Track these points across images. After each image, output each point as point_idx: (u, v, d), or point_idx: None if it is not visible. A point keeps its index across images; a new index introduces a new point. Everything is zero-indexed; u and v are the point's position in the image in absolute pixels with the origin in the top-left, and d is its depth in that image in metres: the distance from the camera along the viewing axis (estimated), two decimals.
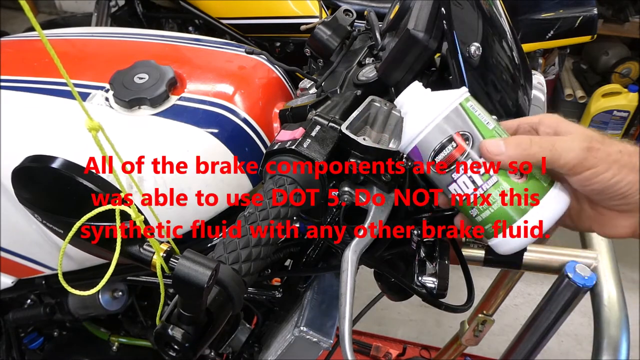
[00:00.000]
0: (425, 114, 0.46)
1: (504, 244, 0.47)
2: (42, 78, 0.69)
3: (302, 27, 1.59)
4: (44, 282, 0.80)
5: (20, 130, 0.65)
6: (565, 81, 2.91)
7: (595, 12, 1.71)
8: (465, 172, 0.45)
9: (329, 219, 0.73)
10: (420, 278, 0.70)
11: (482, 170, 0.45)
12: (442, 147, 0.45)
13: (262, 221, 0.48)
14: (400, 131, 0.57)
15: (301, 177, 0.52)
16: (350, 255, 0.52)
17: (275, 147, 0.53)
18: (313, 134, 0.54)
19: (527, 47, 1.71)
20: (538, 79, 0.63)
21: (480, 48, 0.51)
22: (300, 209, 0.52)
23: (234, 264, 0.45)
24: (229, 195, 0.66)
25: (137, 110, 0.64)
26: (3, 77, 0.71)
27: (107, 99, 0.65)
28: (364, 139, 0.53)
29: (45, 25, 1.98)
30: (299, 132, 0.54)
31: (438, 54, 0.59)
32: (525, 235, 0.45)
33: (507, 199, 0.45)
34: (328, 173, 0.53)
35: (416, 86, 0.50)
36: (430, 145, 0.46)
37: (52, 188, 0.59)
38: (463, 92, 0.47)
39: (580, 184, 0.42)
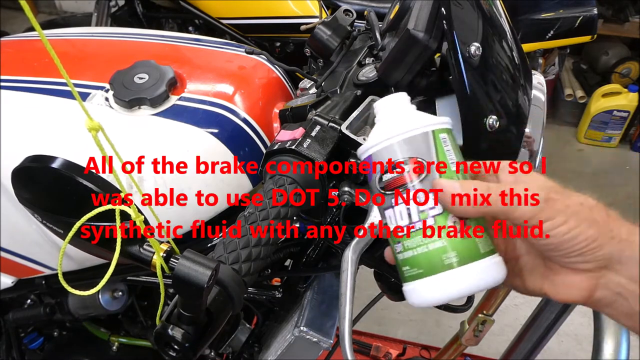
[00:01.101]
0: (393, 127, 0.42)
1: (413, 294, 0.42)
2: (42, 78, 0.69)
3: (302, 27, 1.59)
4: (44, 282, 0.80)
5: (20, 130, 0.65)
6: (565, 81, 2.91)
7: (595, 12, 1.72)
8: (406, 203, 0.41)
9: (329, 219, 0.73)
10: None
11: (423, 206, 0.40)
12: (394, 167, 0.41)
13: (262, 221, 0.48)
14: None
15: (301, 177, 0.52)
16: (350, 255, 0.52)
17: (275, 147, 0.53)
18: (313, 134, 0.54)
19: (527, 47, 1.71)
20: (538, 79, 0.63)
21: (480, 48, 0.51)
22: (300, 209, 0.52)
23: (234, 264, 0.45)
24: (229, 195, 0.66)
25: (137, 110, 0.64)
26: (3, 77, 0.71)
27: (107, 99, 0.65)
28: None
29: (45, 25, 1.98)
30: (299, 132, 0.54)
31: (438, 54, 0.59)
32: (438, 295, 0.41)
33: (434, 250, 0.40)
34: (328, 173, 0.53)
35: (400, 97, 0.46)
36: (383, 158, 0.42)
37: (52, 188, 0.59)
38: (444, 122, 0.43)
39: (536, 247, 0.40)
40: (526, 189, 0.38)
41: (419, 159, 0.41)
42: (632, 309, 0.39)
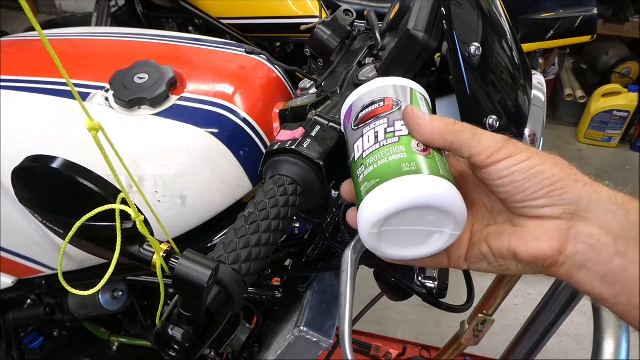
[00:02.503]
0: (376, 81, 0.47)
1: (367, 208, 0.39)
2: (42, 78, 0.69)
3: (302, 27, 1.59)
4: (44, 282, 0.80)
5: (20, 130, 0.65)
6: (565, 81, 2.91)
7: (595, 12, 1.72)
8: (376, 128, 0.43)
9: (329, 219, 0.73)
10: (420, 278, 0.70)
11: (391, 127, 0.42)
12: (371, 104, 0.45)
13: (262, 221, 0.48)
14: None
15: (301, 177, 0.52)
16: (350, 255, 0.52)
17: (275, 147, 0.53)
18: (313, 134, 0.54)
19: (527, 47, 1.71)
20: (538, 79, 0.63)
21: (480, 48, 0.51)
22: (300, 209, 0.52)
23: (234, 264, 0.45)
24: (229, 195, 0.66)
25: (137, 110, 0.64)
26: (3, 77, 0.71)
27: (107, 99, 0.65)
28: None
29: (45, 25, 1.98)
30: (299, 132, 0.54)
31: (438, 54, 0.59)
32: (391, 200, 0.38)
33: (395, 161, 0.39)
34: (328, 173, 0.53)
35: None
36: (363, 102, 0.46)
37: (52, 188, 0.59)
38: (423, 90, 0.47)
39: (498, 175, 0.38)
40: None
41: (394, 99, 0.44)
42: (606, 269, 0.36)
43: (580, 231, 0.37)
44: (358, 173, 0.42)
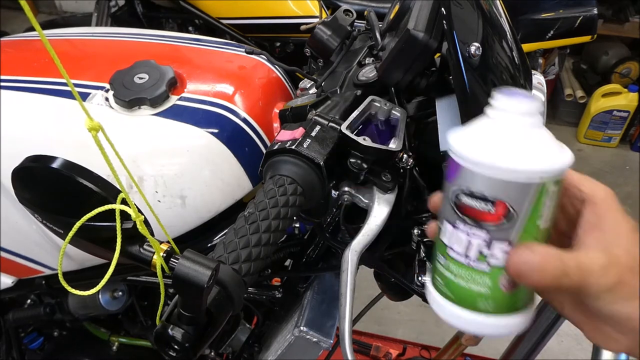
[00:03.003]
0: (503, 154, 0.34)
1: (435, 304, 0.40)
2: (42, 78, 0.69)
3: (302, 27, 1.59)
4: (44, 282, 0.80)
5: (20, 130, 0.65)
6: (565, 81, 2.91)
7: (595, 12, 1.71)
8: (470, 237, 0.36)
9: (329, 219, 0.73)
10: (420, 278, 0.70)
11: (487, 250, 0.36)
12: (479, 198, 0.35)
13: (262, 221, 0.48)
14: (401, 131, 0.57)
15: (301, 177, 0.52)
16: (350, 255, 0.52)
17: (275, 147, 0.53)
18: (313, 134, 0.54)
19: (527, 47, 1.71)
20: (538, 79, 0.63)
21: (480, 48, 0.51)
22: (300, 209, 0.52)
23: (234, 264, 0.45)
24: (229, 195, 0.66)
25: (137, 110, 0.64)
26: (3, 77, 0.71)
27: (107, 99, 0.65)
28: (364, 139, 0.53)
29: (45, 25, 1.98)
30: (299, 132, 0.54)
31: (438, 54, 0.59)
32: (458, 324, 0.39)
33: (474, 292, 0.37)
34: (328, 173, 0.53)
35: (534, 106, 0.35)
36: (471, 185, 0.35)
37: (52, 188, 0.59)
38: (563, 169, 0.35)
39: (587, 306, 0.38)
40: (603, 263, 0.35)
41: (509, 207, 0.34)
42: None
43: None
44: (439, 256, 0.40)
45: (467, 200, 0.35)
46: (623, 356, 0.59)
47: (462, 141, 0.36)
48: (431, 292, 0.41)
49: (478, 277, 0.37)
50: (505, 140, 0.35)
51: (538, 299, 0.47)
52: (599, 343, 0.39)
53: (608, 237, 0.37)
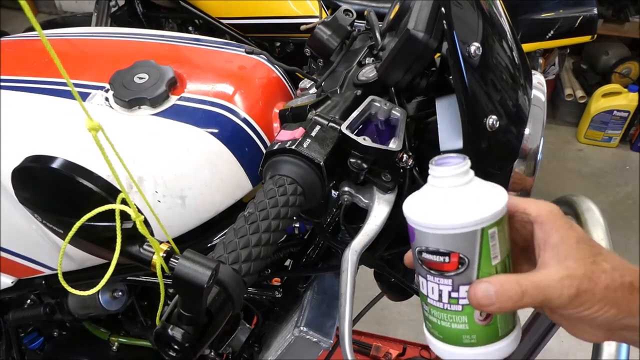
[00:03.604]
0: (444, 215, 0.40)
1: (431, 345, 0.45)
2: (42, 78, 0.69)
3: (302, 27, 1.59)
4: (44, 282, 0.80)
5: (20, 130, 0.65)
6: (565, 81, 2.91)
7: (595, 12, 1.72)
8: (439, 285, 0.42)
9: (329, 219, 0.73)
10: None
11: (455, 292, 0.41)
12: (435, 253, 0.41)
13: (262, 221, 0.48)
14: (401, 131, 0.57)
15: (301, 177, 0.52)
16: (350, 255, 0.52)
17: (275, 147, 0.53)
18: (313, 134, 0.54)
19: (527, 47, 1.71)
20: (538, 79, 0.63)
21: (480, 48, 0.51)
22: (300, 209, 0.52)
23: (234, 264, 0.45)
24: (229, 195, 0.66)
25: (137, 110, 0.64)
26: (3, 77, 0.71)
27: (107, 99, 0.65)
28: (364, 139, 0.53)
29: (45, 25, 1.98)
30: (299, 132, 0.54)
31: (438, 54, 0.59)
32: (448, 358, 0.44)
33: (456, 330, 0.42)
34: (328, 173, 0.53)
35: (461, 168, 0.41)
36: (426, 243, 0.41)
37: (52, 188, 0.59)
38: (498, 214, 0.40)
39: (571, 318, 0.42)
40: (559, 277, 0.39)
41: (461, 255, 0.40)
42: None
43: (625, 335, 0.41)
44: (423, 305, 0.45)
45: (427, 256, 0.42)
46: (623, 356, 0.59)
47: (412, 209, 0.43)
48: (426, 335, 0.46)
49: (456, 317, 0.42)
50: (444, 202, 0.41)
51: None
52: (580, 337, 0.43)
53: (560, 251, 0.40)
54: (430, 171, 0.43)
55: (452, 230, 0.40)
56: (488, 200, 0.41)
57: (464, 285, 0.41)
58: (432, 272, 0.42)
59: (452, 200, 0.41)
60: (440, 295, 0.42)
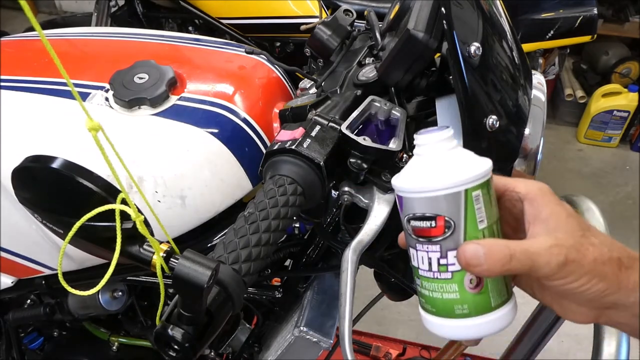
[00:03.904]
0: (428, 178, 0.41)
1: (426, 322, 0.45)
2: (42, 78, 0.69)
3: (302, 27, 1.59)
4: (44, 282, 0.80)
5: (20, 130, 0.65)
6: (565, 81, 2.91)
7: (595, 12, 1.72)
8: (428, 253, 0.42)
9: (329, 219, 0.73)
10: None
11: (444, 259, 0.42)
12: (422, 218, 0.41)
13: (262, 221, 0.48)
14: (401, 131, 0.57)
15: (301, 177, 0.52)
16: (350, 255, 0.52)
17: (275, 147, 0.53)
18: (313, 133, 0.54)
19: (527, 47, 1.71)
20: (538, 79, 0.63)
21: (480, 48, 0.51)
22: (300, 209, 0.52)
23: (234, 264, 0.45)
24: (229, 195, 0.66)
25: (137, 110, 0.64)
26: (3, 77, 0.71)
27: (107, 99, 0.65)
28: (364, 139, 0.53)
29: (45, 25, 1.98)
30: (299, 132, 0.54)
31: (438, 54, 0.59)
32: (447, 333, 0.44)
33: (448, 300, 0.42)
34: (328, 173, 0.53)
35: (442, 136, 0.43)
36: (413, 209, 0.42)
37: (52, 188, 0.59)
38: (480, 175, 0.41)
39: (548, 286, 0.42)
40: (549, 244, 0.40)
41: (446, 218, 0.41)
42: (633, 328, 0.42)
43: (613, 315, 0.42)
44: (415, 279, 0.45)
45: (415, 223, 0.42)
46: (623, 356, 0.59)
47: (399, 178, 0.44)
48: (421, 313, 0.46)
49: (446, 286, 0.42)
50: (429, 167, 0.42)
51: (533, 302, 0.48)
52: (569, 318, 0.44)
53: (550, 224, 0.41)
54: (415, 142, 0.44)
55: (436, 192, 0.41)
56: (471, 164, 0.42)
57: (452, 250, 0.41)
58: (420, 239, 0.42)
59: (437, 165, 0.42)
60: (430, 264, 0.42)
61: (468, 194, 0.40)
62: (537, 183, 0.44)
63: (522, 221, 0.43)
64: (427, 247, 0.42)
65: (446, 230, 0.41)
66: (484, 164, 0.42)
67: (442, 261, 0.42)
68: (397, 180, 0.44)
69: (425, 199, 0.41)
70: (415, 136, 0.44)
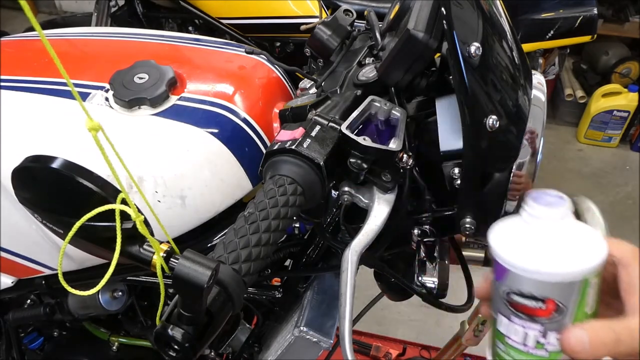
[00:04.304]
0: (545, 260, 0.38)
1: None
2: (42, 78, 0.69)
3: (302, 27, 1.59)
4: (44, 282, 0.80)
5: (20, 130, 0.65)
6: (565, 81, 2.91)
7: (595, 12, 1.71)
8: (526, 329, 0.40)
9: (329, 219, 0.73)
10: (420, 278, 0.70)
11: (544, 339, 0.39)
12: (530, 297, 0.38)
13: (262, 221, 0.48)
14: (402, 131, 0.57)
15: (301, 177, 0.52)
16: (350, 255, 0.52)
17: (275, 147, 0.53)
18: (313, 134, 0.54)
19: (527, 47, 1.71)
20: (538, 79, 0.63)
21: (480, 48, 0.51)
22: (300, 209, 0.52)
23: (234, 264, 0.45)
24: (229, 195, 0.66)
25: (137, 110, 0.64)
26: (3, 77, 0.71)
27: (107, 99, 0.65)
28: (364, 139, 0.53)
29: (45, 25, 1.98)
30: (299, 132, 0.54)
31: (438, 54, 0.59)
32: None
33: None
34: (328, 173, 0.53)
35: (561, 212, 0.39)
36: (519, 286, 0.39)
37: (52, 188, 0.59)
38: (602, 264, 0.38)
39: None
40: None
41: (558, 303, 0.38)
42: None
43: None
44: (497, 343, 0.42)
45: (518, 299, 0.39)
46: None
47: (505, 246, 0.40)
48: None
49: None
50: (545, 245, 0.39)
51: None
52: None
53: None
54: (528, 209, 0.40)
55: (555, 278, 0.38)
56: (592, 248, 0.39)
57: (554, 331, 0.39)
58: (520, 315, 0.39)
59: (555, 244, 0.39)
60: (525, 339, 0.40)
61: (587, 282, 0.38)
62: (629, 246, 0.41)
63: (613, 285, 0.41)
64: (527, 324, 0.39)
65: (555, 314, 0.38)
66: (603, 249, 0.39)
67: (541, 340, 0.39)
68: (502, 249, 0.40)
69: (539, 282, 0.38)
70: (528, 201, 0.40)
